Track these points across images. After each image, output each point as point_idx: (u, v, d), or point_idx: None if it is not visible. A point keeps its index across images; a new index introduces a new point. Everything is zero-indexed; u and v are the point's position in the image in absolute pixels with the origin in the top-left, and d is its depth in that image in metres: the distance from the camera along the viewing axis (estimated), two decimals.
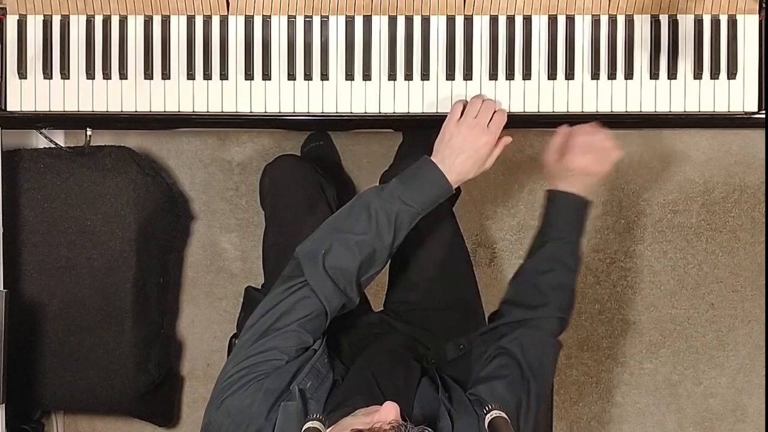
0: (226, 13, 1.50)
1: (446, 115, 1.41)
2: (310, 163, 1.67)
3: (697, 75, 1.50)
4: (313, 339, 1.26)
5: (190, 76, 1.50)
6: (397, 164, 1.95)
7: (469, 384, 1.31)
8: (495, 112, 1.40)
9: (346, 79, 1.50)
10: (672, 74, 1.50)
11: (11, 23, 1.51)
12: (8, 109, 1.52)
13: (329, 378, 1.24)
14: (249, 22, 1.50)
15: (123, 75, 1.50)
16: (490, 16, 1.50)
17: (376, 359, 1.33)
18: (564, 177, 1.44)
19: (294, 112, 1.51)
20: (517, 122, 1.55)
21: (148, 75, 1.51)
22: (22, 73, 1.51)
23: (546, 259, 1.43)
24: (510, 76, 1.50)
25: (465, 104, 1.41)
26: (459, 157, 1.36)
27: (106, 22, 1.51)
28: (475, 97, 1.44)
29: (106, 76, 1.51)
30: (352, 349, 1.39)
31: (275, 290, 1.30)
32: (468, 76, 1.49)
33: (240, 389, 1.19)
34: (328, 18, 1.50)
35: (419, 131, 1.90)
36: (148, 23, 1.50)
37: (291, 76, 1.50)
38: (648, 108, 1.50)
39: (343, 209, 1.36)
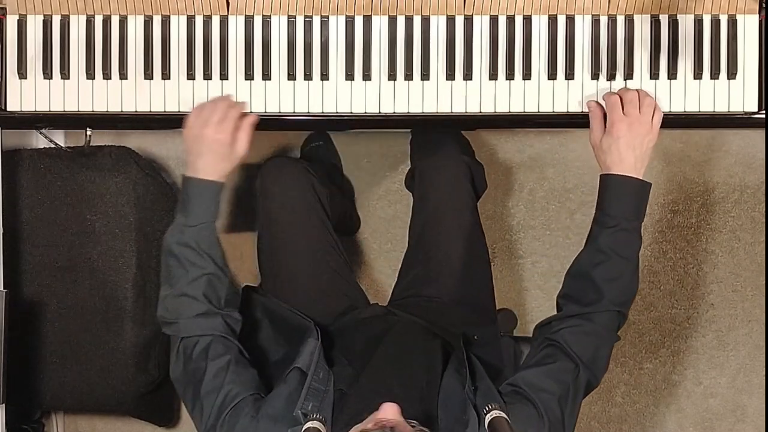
0: (226, 13, 1.50)
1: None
2: (302, 164, 1.67)
3: (697, 75, 1.50)
4: (242, 358, 1.34)
5: (190, 76, 1.50)
6: (413, 158, 1.96)
7: (501, 367, 1.33)
8: None
9: (346, 79, 1.50)
10: (672, 74, 1.50)
11: (11, 23, 1.51)
12: (8, 109, 1.52)
13: (329, 392, 1.23)
14: (249, 22, 1.50)
15: (123, 75, 1.51)
16: (490, 16, 1.50)
17: (391, 359, 1.32)
18: (614, 153, 1.39)
19: (294, 112, 1.51)
20: (517, 122, 1.55)
21: (148, 75, 1.51)
22: (22, 73, 1.51)
23: (599, 249, 1.38)
24: (510, 76, 1.50)
25: None
26: (202, 157, 1.40)
27: (106, 22, 1.51)
28: None
29: (106, 76, 1.51)
30: (365, 348, 1.37)
31: (175, 374, 1.37)
32: (468, 76, 1.49)
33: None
34: (328, 18, 1.50)
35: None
36: (148, 23, 1.50)
37: (291, 76, 1.50)
38: None
39: (161, 264, 1.42)
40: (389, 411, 1.05)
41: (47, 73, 1.51)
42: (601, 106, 1.45)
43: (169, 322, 1.38)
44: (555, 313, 1.41)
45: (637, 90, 1.43)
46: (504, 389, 1.26)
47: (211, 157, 1.39)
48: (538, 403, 1.22)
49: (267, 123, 1.54)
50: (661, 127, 1.46)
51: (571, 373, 1.28)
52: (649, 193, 1.41)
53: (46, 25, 1.51)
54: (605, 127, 1.41)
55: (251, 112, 1.50)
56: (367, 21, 1.50)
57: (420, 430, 1.05)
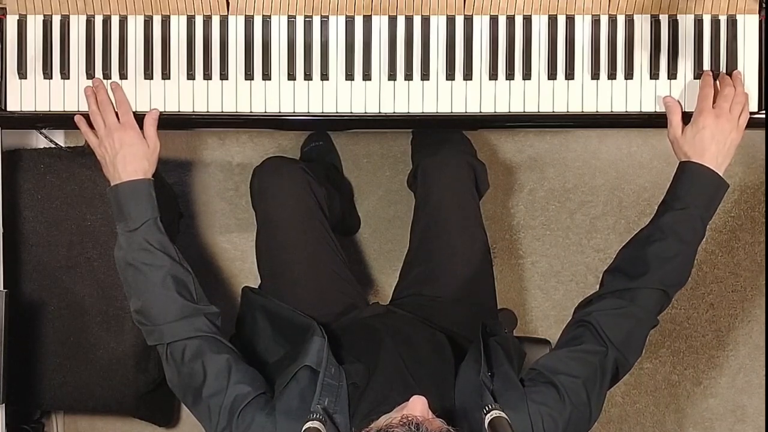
0: (226, 13, 1.50)
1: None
2: (299, 164, 1.67)
3: (697, 75, 1.50)
4: (239, 364, 1.31)
5: (190, 76, 1.50)
6: (415, 157, 1.95)
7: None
8: None
9: (346, 79, 1.50)
10: (672, 74, 1.50)
11: (11, 23, 1.51)
12: (8, 109, 1.52)
13: (343, 386, 1.24)
14: (249, 22, 1.50)
15: (123, 75, 1.51)
16: (490, 16, 1.50)
17: (400, 352, 1.32)
18: (697, 143, 1.39)
19: (294, 112, 1.51)
20: (517, 122, 1.55)
21: (148, 75, 1.51)
22: (22, 73, 1.51)
23: (659, 228, 1.37)
24: (510, 76, 1.50)
25: None
26: (119, 164, 1.42)
27: (106, 22, 1.51)
28: None
29: (106, 76, 1.51)
30: (370, 345, 1.38)
31: (172, 381, 1.36)
32: (468, 76, 1.50)
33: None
34: (328, 18, 1.50)
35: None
36: (148, 23, 1.50)
37: (291, 76, 1.50)
38: (648, 108, 1.51)
39: (122, 281, 1.42)
40: (417, 405, 1.05)
41: (47, 73, 1.51)
42: (679, 102, 1.46)
43: (150, 330, 1.37)
44: (567, 307, 1.41)
45: (734, 86, 1.43)
46: (528, 374, 1.26)
47: (128, 160, 1.41)
48: (559, 386, 1.22)
49: (267, 123, 1.54)
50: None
51: (599, 355, 1.27)
52: (724, 194, 1.40)
53: (46, 25, 1.51)
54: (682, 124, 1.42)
55: (251, 112, 1.51)
56: (367, 21, 1.50)
57: (447, 429, 1.05)
